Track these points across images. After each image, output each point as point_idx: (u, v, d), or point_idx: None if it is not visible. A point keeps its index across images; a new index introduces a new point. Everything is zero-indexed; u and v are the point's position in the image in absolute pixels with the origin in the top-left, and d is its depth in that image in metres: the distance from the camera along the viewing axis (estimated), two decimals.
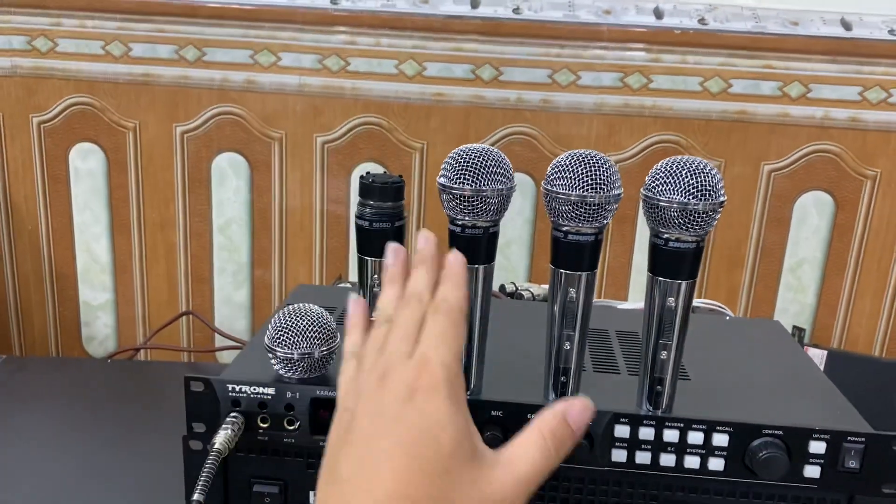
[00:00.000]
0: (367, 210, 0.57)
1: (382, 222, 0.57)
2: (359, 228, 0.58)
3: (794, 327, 1.31)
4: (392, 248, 0.49)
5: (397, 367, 0.39)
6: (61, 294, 1.49)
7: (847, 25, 1.31)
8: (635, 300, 1.41)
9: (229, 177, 1.41)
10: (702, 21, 1.32)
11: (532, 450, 0.37)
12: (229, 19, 1.33)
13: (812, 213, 1.38)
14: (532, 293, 1.00)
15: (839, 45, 1.30)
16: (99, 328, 1.50)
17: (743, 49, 1.31)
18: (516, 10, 1.32)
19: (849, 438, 0.57)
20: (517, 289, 1.02)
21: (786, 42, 1.31)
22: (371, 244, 0.58)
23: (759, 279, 1.41)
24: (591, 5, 1.33)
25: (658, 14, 1.33)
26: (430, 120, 1.37)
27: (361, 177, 0.59)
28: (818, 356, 1.12)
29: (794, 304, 1.42)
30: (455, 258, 0.45)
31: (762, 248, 1.40)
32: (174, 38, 1.34)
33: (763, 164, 1.36)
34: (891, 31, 1.30)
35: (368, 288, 0.60)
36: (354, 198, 1.41)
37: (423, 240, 0.47)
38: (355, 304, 0.50)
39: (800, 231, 1.39)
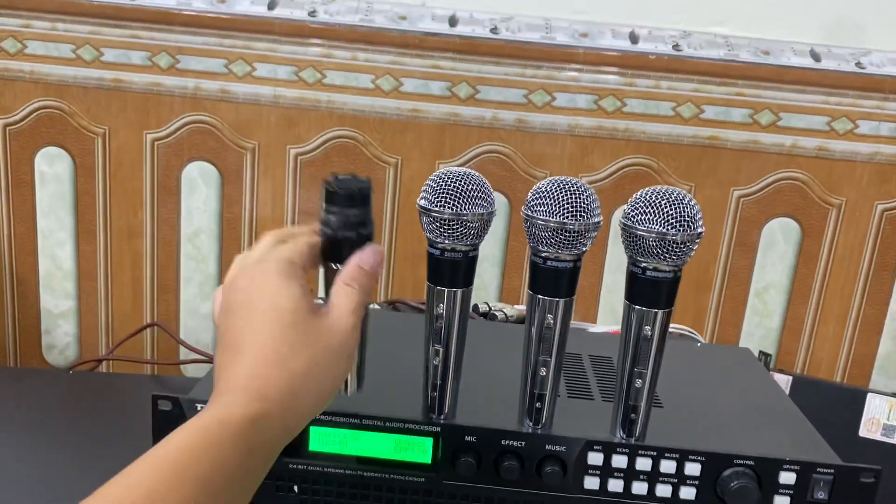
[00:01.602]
0: (333, 218, 0.52)
1: (348, 230, 0.52)
2: (325, 237, 0.54)
3: (761, 352, 1.32)
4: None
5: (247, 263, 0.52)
6: (21, 301, 1.45)
7: (816, 56, 1.34)
8: (605, 322, 1.42)
9: (199, 186, 1.39)
10: (676, 47, 1.34)
11: (344, 297, 0.50)
12: (205, 28, 1.31)
13: (779, 239, 1.40)
14: (505, 314, 1.00)
15: (808, 75, 1.33)
16: (60, 336, 1.47)
17: (715, 76, 1.33)
18: (494, 30, 1.33)
19: (818, 470, 0.58)
20: (490, 309, 1.02)
21: (757, 70, 1.33)
22: (340, 252, 0.54)
23: (725, 302, 1.43)
24: (567, 28, 1.34)
25: (633, 38, 1.34)
26: (406, 135, 1.36)
27: (325, 181, 0.53)
28: (783, 381, 1.14)
29: (759, 328, 1.44)
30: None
31: (730, 271, 1.42)
32: (148, 45, 1.32)
33: (732, 189, 1.38)
34: (857, 64, 1.33)
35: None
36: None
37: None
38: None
39: (766, 256, 1.41)
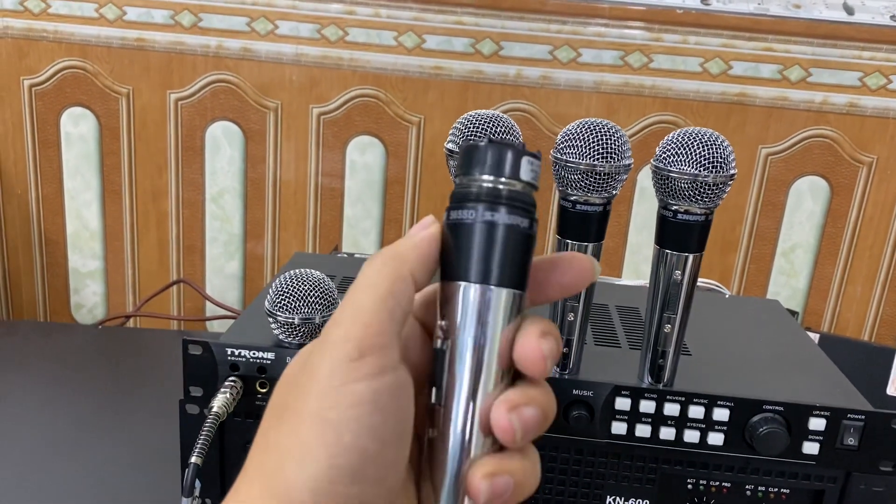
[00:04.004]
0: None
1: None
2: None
3: (787, 310, 1.31)
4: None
5: None
6: (50, 260, 1.47)
7: (849, 10, 1.31)
8: (628, 278, 1.41)
9: (223, 146, 1.39)
10: (704, 1, 1.31)
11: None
12: None
13: (807, 198, 1.38)
14: None
15: (840, 29, 1.30)
16: (88, 296, 1.49)
17: (744, 31, 1.30)
18: None
19: (849, 416, 0.57)
20: None
21: (787, 25, 1.30)
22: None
23: (752, 262, 1.42)
24: None
25: None
26: (428, 94, 1.35)
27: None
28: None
29: (786, 288, 1.43)
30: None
31: (756, 231, 1.40)
32: (169, 3, 1.32)
33: (760, 147, 1.36)
34: (892, 17, 1.30)
35: None
36: (349, 171, 1.41)
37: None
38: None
39: (794, 215, 1.39)
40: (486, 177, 0.30)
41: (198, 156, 1.40)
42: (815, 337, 1.14)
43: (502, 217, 0.30)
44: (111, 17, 1.33)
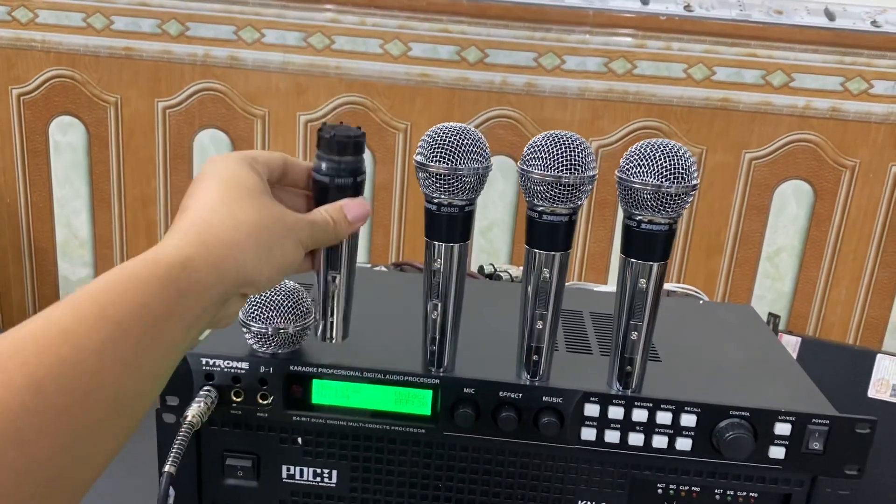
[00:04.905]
0: (325, 165, 0.52)
1: (342, 178, 0.52)
2: (317, 183, 0.53)
3: (770, 314, 1.32)
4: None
5: None
6: (40, 268, 1.48)
7: (830, 15, 1.32)
8: (615, 284, 1.42)
9: (211, 154, 1.40)
10: (687, 7, 1.32)
11: (313, 215, 0.51)
12: None
13: (791, 202, 1.39)
14: (511, 275, 1.00)
15: (822, 34, 1.31)
16: None
17: (727, 37, 1.31)
18: None
19: (814, 421, 0.58)
20: (496, 270, 1.03)
21: (769, 31, 1.31)
22: (329, 200, 0.55)
23: (737, 266, 1.43)
24: None
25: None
26: (415, 101, 1.36)
27: (319, 129, 0.53)
28: (792, 343, 1.14)
29: (771, 292, 1.44)
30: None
31: (741, 235, 1.41)
32: (157, 12, 1.33)
33: (744, 152, 1.37)
34: (873, 22, 1.31)
35: None
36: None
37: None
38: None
39: (778, 219, 1.40)
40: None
41: (186, 164, 1.41)
42: (797, 341, 1.15)
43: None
44: (99, 27, 1.34)
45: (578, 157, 0.54)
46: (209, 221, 0.45)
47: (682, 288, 0.91)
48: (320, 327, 0.57)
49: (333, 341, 0.57)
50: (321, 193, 0.53)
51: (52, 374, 0.35)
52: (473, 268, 1.03)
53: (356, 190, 0.53)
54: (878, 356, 1.12)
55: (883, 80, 1.31)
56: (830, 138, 1.35)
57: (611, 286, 1.19)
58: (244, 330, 0.61)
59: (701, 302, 0.86)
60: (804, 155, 1.36)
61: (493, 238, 1.42)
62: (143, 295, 0.39)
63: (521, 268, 1.05)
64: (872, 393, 1.11)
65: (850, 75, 1.32)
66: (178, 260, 0.42)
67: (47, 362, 0.35)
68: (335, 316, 0.57)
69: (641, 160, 0.54)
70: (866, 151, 1.35)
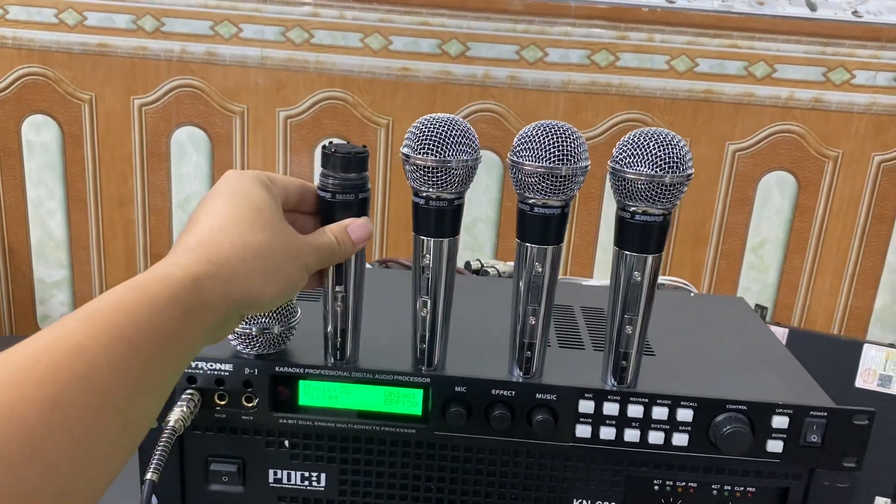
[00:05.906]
0: (330, 181, 0.54)
1: (346, 194, 0.54)
2: (321, 200, 0.56)
3: (757, 305, 1.32)
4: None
5: None
6: (14, 271, 1.45)
7: (812, 6, 1.32)
8: (600, 278, 1.41)
9: (189, 151, 1.38)
10: None
11: (319, 236, 0.52)
12: None
13: (775, 194, 1.39)
14: (498, 270, 0.99)
15: (804, 25, 1.31)
16: (54, 306, 1.47)
17: (709, 28, 1.31)
18: None
19: (811, 413, 0.57)
20: (483, 266, 1.01)
21: (751, 21, 1.31)
22: (335, 217, 0.56)
23: (722, 258, 1.42)
24: None
25: None
26: (397, 95, 1.34)
27: (323, 146, 0.56)
28: (779, 334, 1.13)
29: (756, 283, 1.44)
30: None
31: (725, 227, 1.41)
32: (131, 7, 1.30)
33: (728, 143, 1.37)
34: (854, 13, 1.31)
35: None
36: (318, 175, 1.39)
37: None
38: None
39: (762, 210, 1.40)
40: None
41: (163, 162, 1.38)
42: (784, 332, 1.15)
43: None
44: (72, 23, 1.31)
45: (571, 146, 0.53)
46: (218, 241, 0.45)
47: (672, 280, 0.90)
48: (329, 346, 0.57)
49: (344, 361, 0.57)
50: (326, 211, 0.54)
51: (67, 390, 0.35)
52: (459, 264, 1.01)
53: (361, 206, 0.54)
54: (865, 346, 1.12)
55: (864, 70, 1.32)
56: (813, 129, 1.35)
57: (599, 279, 1.18)
58: None
59: (692, 294, 0.85)
60: (787, 146, 1.36)
61: (478, 234, 1.40)
62: (152, 314, 0.40)
63: (508, 263, 1.04)
64: (860, 383, 1.11)
65: (832, 66, 1.32)
66: (187, 279, 0.42)
67: (62, 378, 0.35)
68: (347, 334, 0.57)
69: (635, 150, 0.53)
70: (849, 142, 1.35)
